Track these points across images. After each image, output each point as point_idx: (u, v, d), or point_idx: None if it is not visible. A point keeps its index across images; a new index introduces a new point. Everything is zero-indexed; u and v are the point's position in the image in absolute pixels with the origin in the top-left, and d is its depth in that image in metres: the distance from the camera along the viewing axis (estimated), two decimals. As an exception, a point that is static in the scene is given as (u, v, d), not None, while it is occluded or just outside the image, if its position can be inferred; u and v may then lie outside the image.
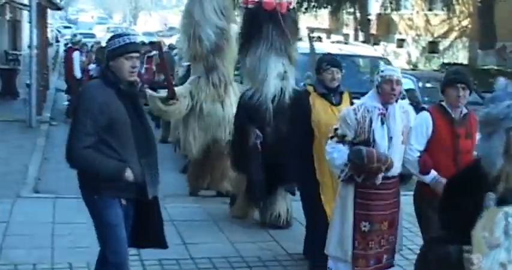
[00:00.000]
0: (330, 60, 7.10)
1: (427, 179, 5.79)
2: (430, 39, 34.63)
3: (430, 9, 34.21)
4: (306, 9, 28.87)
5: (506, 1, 28.23)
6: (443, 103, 6.00)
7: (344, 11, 32.77)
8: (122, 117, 5.05)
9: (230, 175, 9.80)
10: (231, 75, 10.32)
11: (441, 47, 34.84)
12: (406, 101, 13.42)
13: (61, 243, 7.79)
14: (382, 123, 5.75)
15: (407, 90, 13.99)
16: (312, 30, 46.11)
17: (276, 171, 8.01)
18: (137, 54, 5.18)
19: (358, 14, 34.11)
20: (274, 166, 7.97)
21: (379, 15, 38.28)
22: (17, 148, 13.67)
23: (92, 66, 18.07)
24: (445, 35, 34.72)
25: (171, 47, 20.40)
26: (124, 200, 5.25)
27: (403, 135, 5.84)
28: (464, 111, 5.94)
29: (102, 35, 46.56)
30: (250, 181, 8.25)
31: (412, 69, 29.68)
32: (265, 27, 8.13)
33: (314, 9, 30.05)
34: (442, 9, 32.72)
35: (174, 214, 9.08)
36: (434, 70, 28.14)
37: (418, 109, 13.13)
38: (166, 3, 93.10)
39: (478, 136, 5.65)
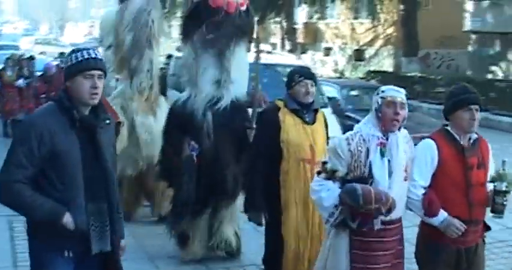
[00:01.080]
0: (303, 72, 6.09)
1: (436, 221, 4.70)
2: (356, 47, 34.50)
3: (355, 18, 34.10)
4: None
5: (428, 10, 28.36)
6: (448, 128, 4.89)
7: (271, 21, 32.16)
8: (71, 150, 4.06)
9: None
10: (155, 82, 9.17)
11: (367, 55, 34.65)
12: (329, 110, 12.83)
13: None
14: (382, 155, 4.62)
15: (330, 99, 13.35)
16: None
17: (214, 188, 6.94)
18: (100, 73, 4.16)
19: (284, 23, 33.58)
20: (211, 183, 6.90)
21: (305, 24, 37.93)
22: None
23: (20, 81, 17.22)
24: (370, 43, 34.67)
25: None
26: (69, 252, 4.10)
27: (407, 170, 4.72)
28: (474, 136, 4.88)
29: (29, 47, 45.15)
30: (177, 194, 7.13)
31: (339, 77, 29.47)
32: (205, 25, 6.88)
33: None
34: (367, 18, 32.63)
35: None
36: (361, 78, 28.07)
37: (342, 117, 12.59)
38: (94, 14, 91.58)
39: (491, 165, 4.93)
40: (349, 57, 34.98)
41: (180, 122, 6.96)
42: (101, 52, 14.75)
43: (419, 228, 5.01)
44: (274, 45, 36.05)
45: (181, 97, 7.19)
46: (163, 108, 8.82)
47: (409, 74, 26.37)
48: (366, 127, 4.73)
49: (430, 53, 29.28)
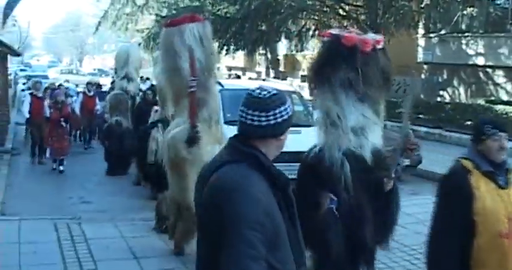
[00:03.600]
0: (496, 123, 4.48)
1: None
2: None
3: (327, 51, 34.50)
4: (227, 51, 28.69)
5: (388, 44, 28.81)
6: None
7: (257, 52, 32.78)
8: (281, 220, 2.89)
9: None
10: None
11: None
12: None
13: (27, 261, 7.34)
14: None
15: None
16: (230, 68, 46.46)
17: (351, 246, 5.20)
18: None
19: (269, 55, 34.21)
20: (348, 239, 5.16)
21: (286, 55, 38.58)
22: (-18, 176, 13.05)
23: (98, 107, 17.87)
24: (340, 71, 34.75)
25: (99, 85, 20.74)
26: None
27: None
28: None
29: (56, 76, 45.78)
30: (326, 255, 5.18)
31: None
32: (340, 67, 5.17)
33: (233, 51, 29.87)
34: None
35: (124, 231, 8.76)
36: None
37: None
38: (107, 48, 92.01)
39: None
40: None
41: (316, 175, 5.15)
42: (116, 82, 15.42)
43: None
44: (259, 73, 36.72)
45: (314, 148, 5.31)
46: (227, 137, 7.63)
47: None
48: None
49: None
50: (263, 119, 2.90)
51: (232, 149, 2.96)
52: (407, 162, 14.94)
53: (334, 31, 5.31)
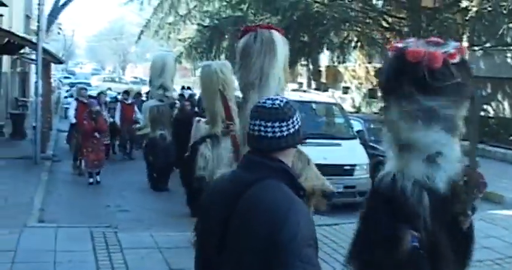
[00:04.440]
0: None
1: None
2: (370, 87, 34.72)
3: (369, 62, 34.33)
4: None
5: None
6: None
7: (299, 63, 32.66)
8: None
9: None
10: None
11: (379, 93, 34.59)
12: (358, 141, 13.47)
13: (62, 270, 7.33)
14: None
15: (358, 132, 13.86)
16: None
17: None
18: None
19: (310, 66, 34.10)
20: None
21: (327, 67, 38.30)
22: (23, 182, 13.17)
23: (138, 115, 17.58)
24: (382, 84, 34.59)
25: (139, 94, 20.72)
26: None
27: None
28: None
29: (98, 84, 46.42)
30: None
31: (356, 112, 29.70)
32: (405, 85, 4.26)
33: (275, 63, 29.80)
34: (380, 63, 32.74)
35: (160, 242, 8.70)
36: (375, 112, 28.26)
37: (366, 147, 13.22)
38: (149, 57, 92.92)
39: None
40: (364, 95, 35.31)
41: (390, 206, 4.28)
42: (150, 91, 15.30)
43: None
44: (301, 84, 36.58)
45: (385, 175, 4.46)
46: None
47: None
48: None
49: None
50: (284, 129, 2.82)
51: (256, 165, 2.83)
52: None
53: (399, 44, 4.52)
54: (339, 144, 12.33)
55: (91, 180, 13.95)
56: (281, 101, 2.85)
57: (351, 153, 12.21)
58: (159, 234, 9.17)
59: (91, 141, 13.96)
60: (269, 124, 2.80)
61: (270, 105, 2.82)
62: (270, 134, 2.80)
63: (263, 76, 6.74)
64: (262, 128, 2.80)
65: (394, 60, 4.43)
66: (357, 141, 13.11)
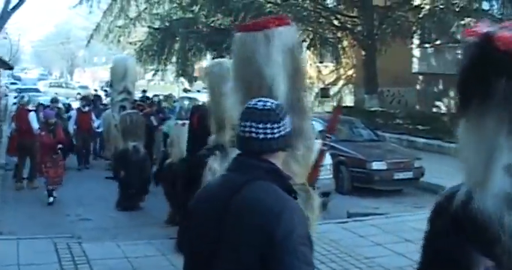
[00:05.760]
0: None
1: None
2: (322, 86, 34.82)
3: (321, 62, 34.42)
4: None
5: (384, 55, 28.72)
6: None
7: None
8: None
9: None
10: None
11: (331, 93, 34.86)
12: (320, 141, 13.33)
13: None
14: None
15: (320, 132, 13.74)
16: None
17: None
18: None
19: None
20: None
21: (279, 67, 38.07)
22: (-24, 192, 12.66)
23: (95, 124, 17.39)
24: (334, 83, 34.93)
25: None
26: None
27: None
28: None
29: (44, 89, 45.58)
30: None
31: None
32: (495, 82, 2.87)
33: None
34: (332, 62, 32.94)
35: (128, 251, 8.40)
36: (327, 112, 28.29)
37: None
38: (97, 61, 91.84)
39: None
40: (316, 95, 35.40)
41: (463, 228, 3.14)
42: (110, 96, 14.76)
43: None
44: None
45: (456, 189, 3.09)
46: None
47: (371, 109, 26.57)
48: None
49: (384, 91, 29.46)
50: (275, 131, 2.73)
51: (247, 167, 2.74)
52: (410, 175, 14.72)
53: (482, 27, 3.05)
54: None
55: (51, 199, 12.49)
56: (272, 102, 2.79)
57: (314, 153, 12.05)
58: (125, 243, 8.87)
59: (50, 155, 12.71)
60: (260, 126, 2.72)
61: (262, 107, 2.74)
62: (261, 136, 2.72)
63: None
64: (253, 129, 2.72)
65: (477, 49, 3.02)
66: (319, 142, 12.99)
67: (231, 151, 6.20)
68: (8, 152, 16.14)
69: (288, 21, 5.59)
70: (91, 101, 19.73)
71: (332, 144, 13.32)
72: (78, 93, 33.82)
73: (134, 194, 12.21)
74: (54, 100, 18.26)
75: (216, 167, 7.36)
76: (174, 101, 27.62)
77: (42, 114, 13.94)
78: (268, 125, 2.70)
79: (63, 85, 59.40)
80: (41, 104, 18.38)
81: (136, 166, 12.10)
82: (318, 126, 14.71)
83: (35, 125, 14.23)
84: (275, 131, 2.72)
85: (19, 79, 68.14)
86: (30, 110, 15.09)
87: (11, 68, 25.33)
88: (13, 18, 29.51)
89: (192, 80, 34.05)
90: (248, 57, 5.42)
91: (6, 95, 38.23)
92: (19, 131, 14.68)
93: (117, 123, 13.19)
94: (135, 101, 15.46)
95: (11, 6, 28.05)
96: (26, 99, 16.17)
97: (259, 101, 2.78)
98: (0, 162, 16.59)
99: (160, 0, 28.11)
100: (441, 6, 20.98)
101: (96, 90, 40.86)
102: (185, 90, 31.72)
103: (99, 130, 17.58)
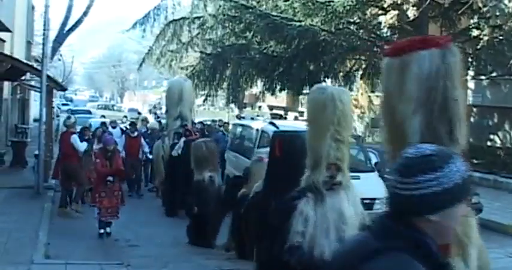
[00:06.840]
0: None
1: None
2: (373, 116, 34.44)
3: (372, 91, 34.05)
4: (273, 90, 28.05)
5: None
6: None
7: (303, 93, 32.32)
8: None
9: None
10: None
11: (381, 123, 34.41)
12: (376, 174, 12.97)
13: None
14: None
15: (375, 164, 13.41)
16: (271, 107, 45.97)
17: None
18: None
19: (313, 95, 33.72)
20: None
21: (329, 96, 37.78)
22: (27, 213, 12.63)
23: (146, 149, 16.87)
24: (384, 113, 34.38)
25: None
26: None
27: None
28: None
29: (93, 111, 46.11)
30: None
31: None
32: None
33: (279, 91, 29.18)
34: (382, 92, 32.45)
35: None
36: (378, 142, 27.88)
37: (384, 180, 12.74)
38: (147, 85, 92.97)
39: None
40: (366, 125, 35.01)
41: None
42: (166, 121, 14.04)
43: None
44: (301, 113, 36.19)
45: None
46: None
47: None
48: None
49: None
50: (423, 185, 2.14)
51: (386, 231, 2.18)
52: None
53: None
54: (357, 177, 11.84)
55: (101, 231, 11.66)
56: (428, 149, 2.21)
57: (370, 186, 11.71)
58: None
59: (104, 184, 11.69)
60: (405, 180, 2.17)
61: (409, 155, 2.21)
62: (403, 192, 2.17)
63: None
64: (398, 185, 2.20)
65: None
66: (375, 174, 12.64)
67: (327, 195, 5.74)
68: (53, 175, 15.78)
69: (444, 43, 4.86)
70: (150, 130, 19.12)
71: (387, 176, 13.06)
72: (125, 116, 33.74)
73: (208, 231, 10.77)
74: (85, 128, 15.97)
75: (309, 213, 5.87)
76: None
77: (103, 140, 12.81)
78: (412, 179, 2.15)
79: (111, 107, 60.06)
80: (86, 127, 16.69)
81: (212, 199, 10.79)
82: (373, 157, 14.40)
83: (80, 147, 13.64)
84: (421, 185, 2.14)
85: (71, 100, 69.35)
86: (73, 133, 14.18)
87: (64, 90, 25.55)
88: (68, 40, 29.96)
89: (241, 106, 33.96)
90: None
91: (58, 116, 38.76)
92: (63, 155, 14.31)
93: (164, 153, 13.05)
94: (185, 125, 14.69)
95: (67, 28, 28.51)
96: (72, 120, 14.83)
97: (414, 148, 2.24)
98: (50, 183, 16.54)
99: (213, 25, 28.11)
100: (500, 37, 20.43)
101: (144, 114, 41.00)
102: (238, 117, 31.57)
103: (151, 156, 16.90)
